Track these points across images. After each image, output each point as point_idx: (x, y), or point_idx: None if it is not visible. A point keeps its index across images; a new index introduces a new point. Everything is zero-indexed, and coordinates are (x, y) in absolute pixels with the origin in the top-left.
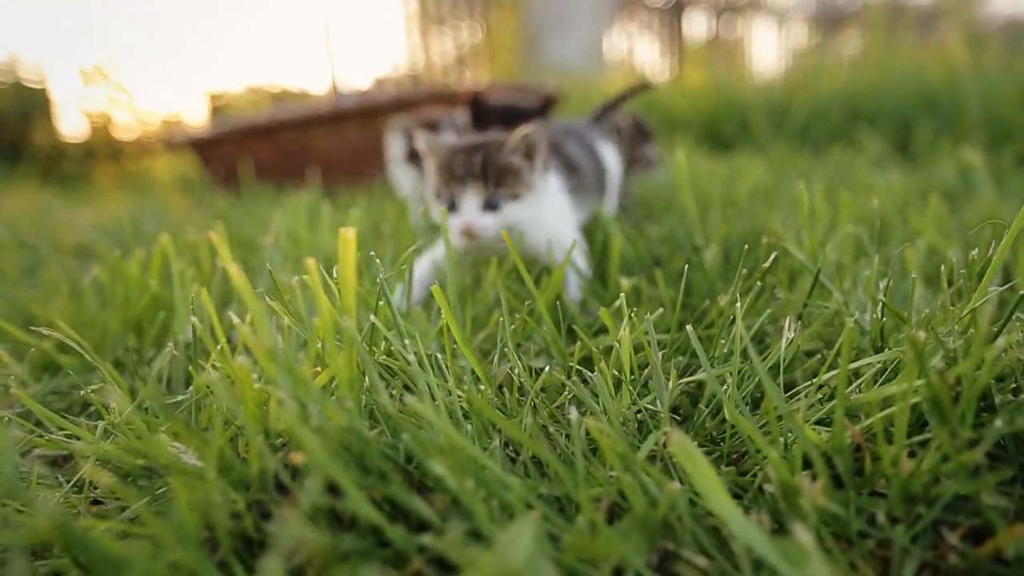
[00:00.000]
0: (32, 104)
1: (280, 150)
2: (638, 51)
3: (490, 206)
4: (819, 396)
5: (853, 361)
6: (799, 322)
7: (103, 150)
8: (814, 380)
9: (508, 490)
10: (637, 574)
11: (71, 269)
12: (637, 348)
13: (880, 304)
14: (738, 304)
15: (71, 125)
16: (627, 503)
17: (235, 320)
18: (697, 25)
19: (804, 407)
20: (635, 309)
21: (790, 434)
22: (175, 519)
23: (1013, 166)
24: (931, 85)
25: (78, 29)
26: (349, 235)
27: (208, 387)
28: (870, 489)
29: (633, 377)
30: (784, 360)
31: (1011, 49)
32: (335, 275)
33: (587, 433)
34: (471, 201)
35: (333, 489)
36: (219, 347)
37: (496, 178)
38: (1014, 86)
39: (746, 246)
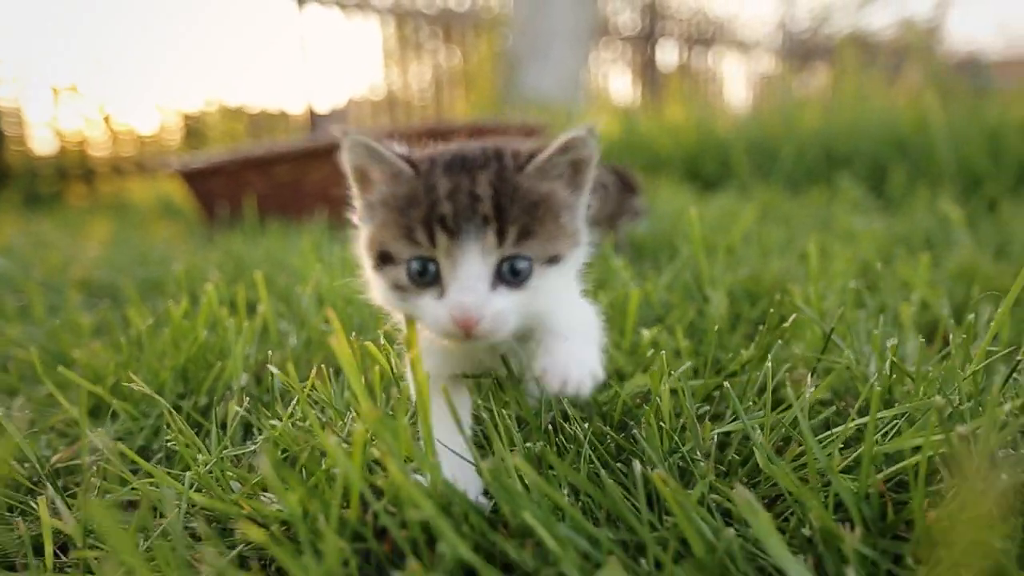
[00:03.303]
0: (3, 124)
1: (273, 182)
2: (612, 81)
3: (509, 275)
4: (840, 446)
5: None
6: (813, 375)
7: (75, 170)
8: (833, 430)
9: (591, 538)
10: None
11: (98, 310)
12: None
13: (888, 362)
14: (768, 363)
15: (43, 145)
16: (686, 548)
17: (316, 382)
18: (669, 55)
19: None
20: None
21: (827, 487)
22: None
23: (985, 212)
24: (902, 129)
25: (46, 46)
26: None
27: (291, 439)
28: (892, 533)
29: (672, 426)
30: (806, 412)
31: (973, 88)
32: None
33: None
34: (473, 267)
35: (429, 536)
36: (323, 413)
37: (521, 220)
38: (981, 133)
39: (752, 296)
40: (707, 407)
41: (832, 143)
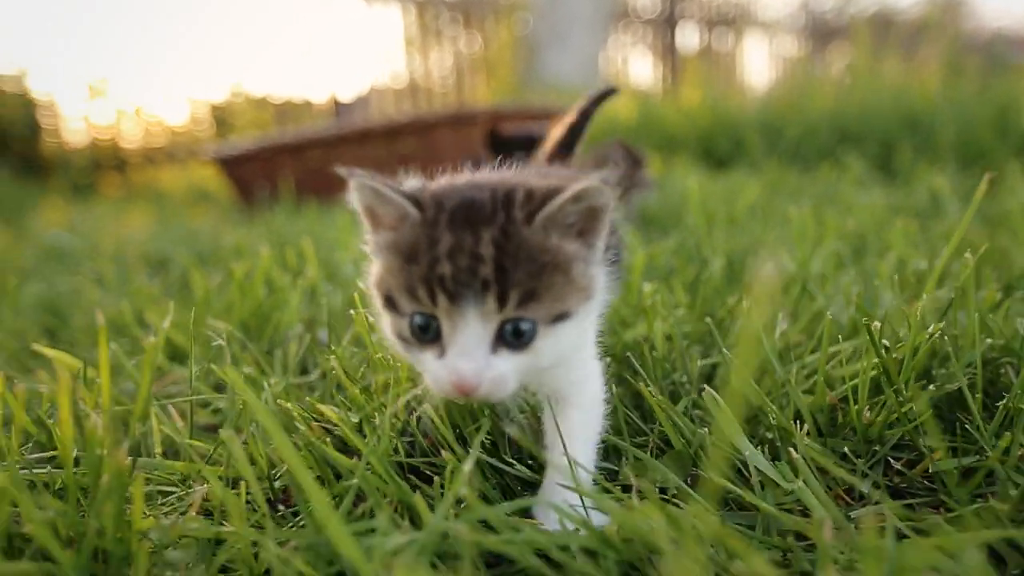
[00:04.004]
0: (39, 116)
1: (306, 167)
2: (632, 64)
3: (511, 337)
4: (806, 372)
5: (832, 346)
6: (790, 318)
7: (109, 161)
8: (802, 361)
9: None
10: (677, 489)
11: (162, 278)
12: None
13: (853, 305)
14: (744, 303)
15: (77, 137)
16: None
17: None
18: (690, 37)
19: (795, 379)
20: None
21: (786, 398)
22: None
23: (988, 185)
24: (912, 107)
25: (75, 38)
26: None
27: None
28: (841, 436)
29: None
30: (778, 346)
31: (994, 65)
32: None
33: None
34: (472, 331)
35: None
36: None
37: (524, 284)
38: (989, 109)
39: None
40: (700, 348)
41: (844, 122)
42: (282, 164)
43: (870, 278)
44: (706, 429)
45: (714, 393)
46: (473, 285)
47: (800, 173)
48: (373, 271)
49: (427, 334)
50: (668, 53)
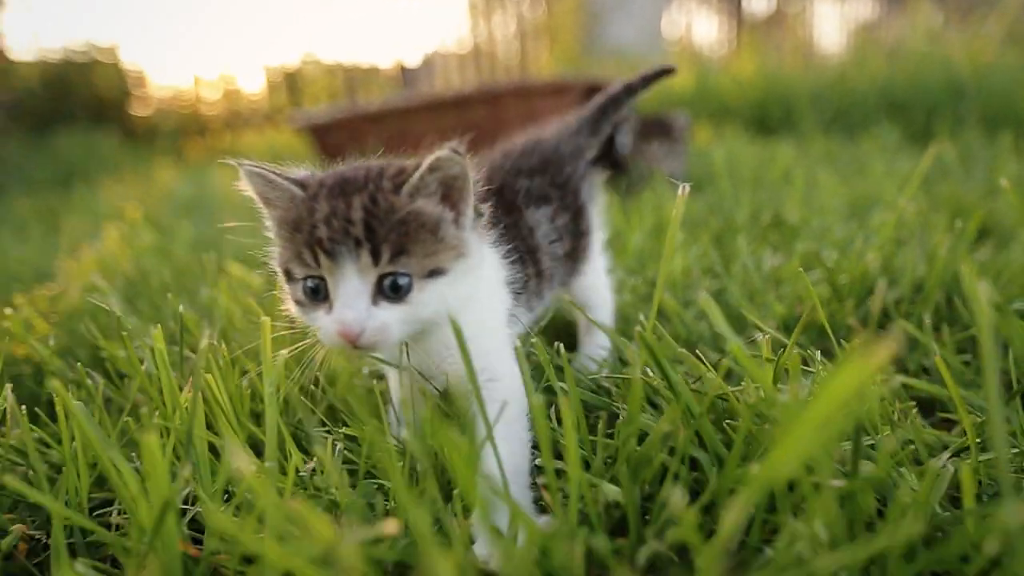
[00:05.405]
0: (130, 86)
1: (385, 134)
2: (696, 28)
3: (390, 290)
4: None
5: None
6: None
7: (191, 127)
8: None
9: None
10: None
11: None
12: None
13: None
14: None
15: (162, 104)
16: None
17: None
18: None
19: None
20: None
21: (765, 308)
22: None
23: (1010, 150)
24: (958, 76)
25: (154, 9)
26: None
27: None
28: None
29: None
30: (765, 275)
31: None
32: None
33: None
34: (351, 285)
35: None
36: None
37: (394, 241)
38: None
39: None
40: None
41: (894, 91)
42: (364, 131)
43: (866, 230)
44: (704, 323)
45: (709, 298)
46: (347, 243)
47: (843, 142)
48: (274, 251)
49: (318, 295)
50: (734, 16)
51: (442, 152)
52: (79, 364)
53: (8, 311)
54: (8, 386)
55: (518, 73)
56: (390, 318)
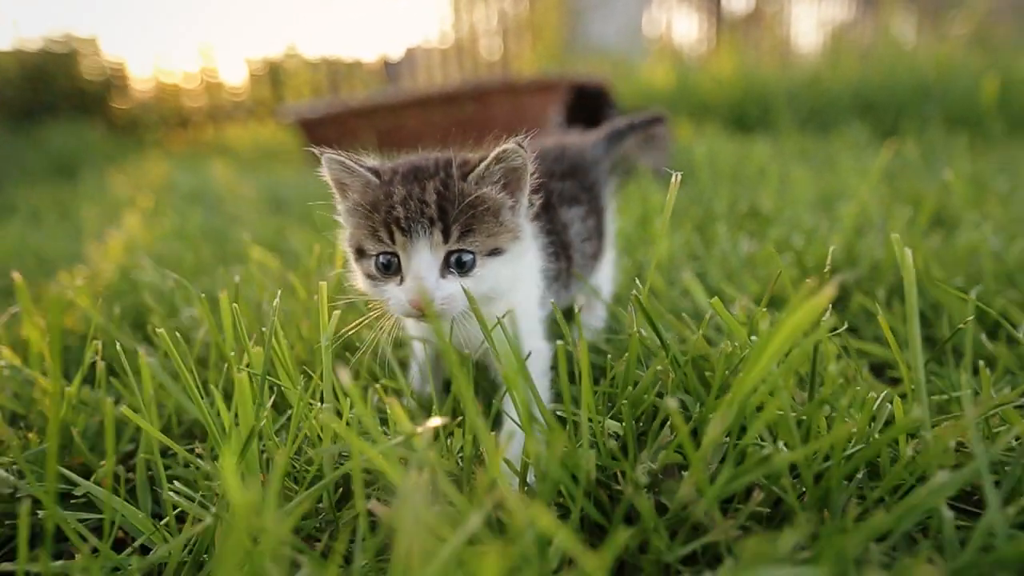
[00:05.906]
0: (112, 78)
1: (375, 129)
2: (676, 26)
3: (456, 266)
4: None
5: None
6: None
7: (173, 119)
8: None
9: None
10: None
11: (284, 214)
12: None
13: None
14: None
15: (144, 96)
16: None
17: None
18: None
19: (749, 279)
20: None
21: (741, 287)
22: None
23: (966, 148)
24: (925, 78)
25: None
26: None
27: None
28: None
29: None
30: (742, 258)
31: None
32: None
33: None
34: (423, 260)
35: None
36: None
37: (462, 222)
38: (998, 80)
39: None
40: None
41: (866, 91)
42: (354, 126)
43: (831, 219)
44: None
45: (691, 276)
46: (422, 222)
47: (817, 139)
48: (344, 235)
49: (389, 269)
50: (714, 14)
51: (508, 145)
52: (149, 324)
53: (55, 286)
54: (97, 342)
55: (500, 69)
56: (456, 288)
